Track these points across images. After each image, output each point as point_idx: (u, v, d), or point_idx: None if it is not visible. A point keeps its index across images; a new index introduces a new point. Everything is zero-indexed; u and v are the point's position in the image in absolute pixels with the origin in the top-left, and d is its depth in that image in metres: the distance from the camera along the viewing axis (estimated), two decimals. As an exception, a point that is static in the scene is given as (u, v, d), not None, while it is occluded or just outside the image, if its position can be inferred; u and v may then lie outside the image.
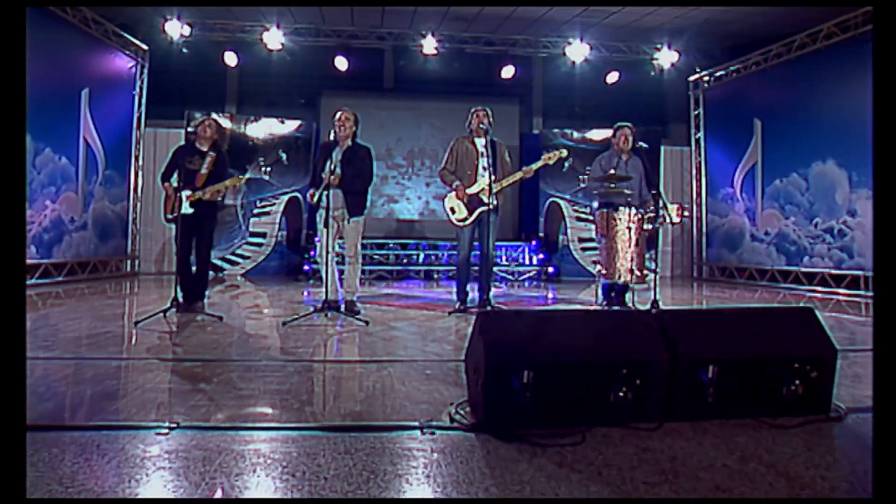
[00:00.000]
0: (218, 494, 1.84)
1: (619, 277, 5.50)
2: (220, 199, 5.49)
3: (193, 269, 5.48)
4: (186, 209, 5.27)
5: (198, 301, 5.46)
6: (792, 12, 9.44)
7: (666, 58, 11.28)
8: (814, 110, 8.95)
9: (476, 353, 2.36)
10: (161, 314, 4.88)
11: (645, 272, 5.52)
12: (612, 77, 11.76)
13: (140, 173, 10.52)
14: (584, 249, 11.62)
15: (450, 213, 5.78)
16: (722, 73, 11.11)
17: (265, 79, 11.45)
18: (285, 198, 11.00)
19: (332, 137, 5.35)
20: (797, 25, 9.61)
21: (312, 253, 10.37)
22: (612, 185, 5.57)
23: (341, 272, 5.83)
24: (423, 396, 2.87)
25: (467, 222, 5.72)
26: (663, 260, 11.53)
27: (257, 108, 11.67)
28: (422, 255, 11.41)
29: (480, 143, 5.83)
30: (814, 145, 8.94)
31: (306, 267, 10.01)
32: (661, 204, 5.46)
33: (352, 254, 5.74)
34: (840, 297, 8.15)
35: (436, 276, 10.98)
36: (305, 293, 8.05)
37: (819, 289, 8.81)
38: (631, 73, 11.85)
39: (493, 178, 5.57)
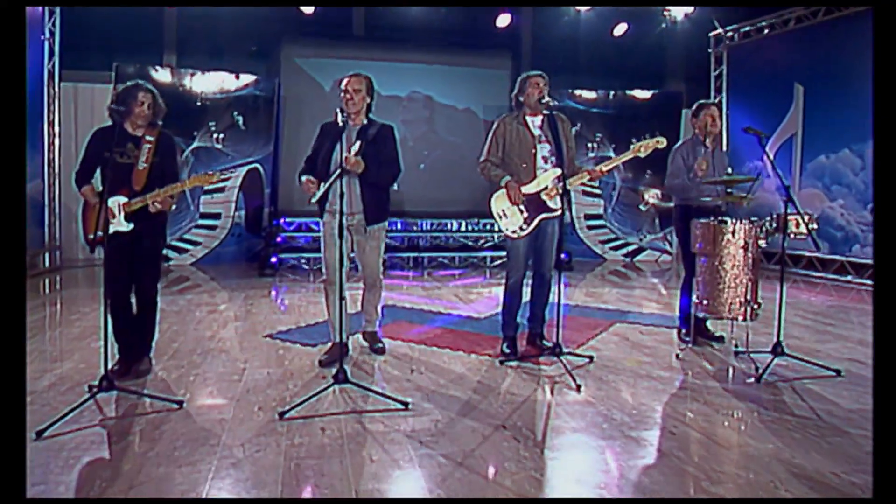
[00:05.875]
0: None
1: (730, 313, 4.04)
2: (173, 206, 3.72)
3: (133, 309, 3.68)
4: (122, 225, 3.51)
5: (142, 358, 3.71)
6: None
7: (679, 8, 9.87)
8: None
9: None
10: (90, 398, 3.12)
11: (760, 302, 4.09)
12: (620, 29, 10.28)
13: (57, 141, 8.39)
14: (590, 228, 10.24)
15: (498, 219, 4.18)
16: (750, 28, 9.67)
17: (211, 21, 9.33)
18: (243, 170, 9.10)
19: (339, 117, 3.59)
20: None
21: (280, 239, 8.63)
22: (730, 191, 4.08)
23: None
24: None
25: (524, 233, 4.14)
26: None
27: (202, 57, 9.57)
28: (406, 239, 9.77)
29: (536, 123, 4.22)
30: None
31: (274, 259, 8.22)
32: (787, 211, 3.99)
33: (374, 278, 4.24)
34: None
35: (425, 263, 9.38)
36: (280, 304, 6.35)
37: (870, 283, 7.71)
38: (640, 26, 10.37)
39: (561, 170, 4.02)
